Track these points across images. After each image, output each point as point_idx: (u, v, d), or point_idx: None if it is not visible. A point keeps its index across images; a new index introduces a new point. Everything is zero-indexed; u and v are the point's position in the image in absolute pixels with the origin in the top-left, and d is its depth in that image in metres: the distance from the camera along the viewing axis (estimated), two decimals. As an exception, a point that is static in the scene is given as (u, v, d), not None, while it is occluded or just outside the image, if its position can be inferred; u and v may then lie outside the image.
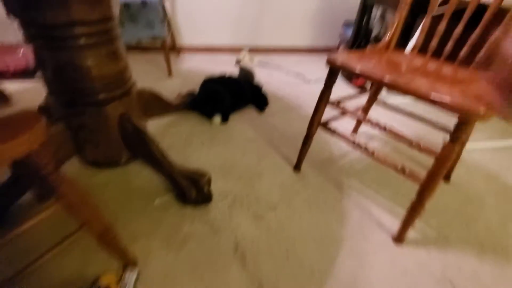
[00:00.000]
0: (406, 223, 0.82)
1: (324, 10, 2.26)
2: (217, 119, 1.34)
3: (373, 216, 0.93)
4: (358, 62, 0.80)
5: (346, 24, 2.15)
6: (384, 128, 0.79)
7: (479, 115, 0.59)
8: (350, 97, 1.04)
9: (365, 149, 0.85)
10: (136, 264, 0.73)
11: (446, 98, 0.62)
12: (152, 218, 0.86)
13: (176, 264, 0.74)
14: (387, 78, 0.72)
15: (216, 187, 0.98)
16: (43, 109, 1.26)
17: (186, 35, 2.19)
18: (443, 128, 0.98)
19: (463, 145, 1.00)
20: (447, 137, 1.28)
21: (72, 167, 1.02)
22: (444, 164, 0.70)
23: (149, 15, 1.49)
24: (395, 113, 1.52)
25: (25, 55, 1.63)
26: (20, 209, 0.85)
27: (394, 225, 0.91)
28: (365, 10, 1.83)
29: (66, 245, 0.56)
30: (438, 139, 1.38)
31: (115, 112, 0.91)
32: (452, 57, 0.92)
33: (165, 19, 1.56)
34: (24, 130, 0.41)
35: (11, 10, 0.71)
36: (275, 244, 0.81)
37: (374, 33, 2.12)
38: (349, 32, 2.08)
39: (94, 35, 0.78)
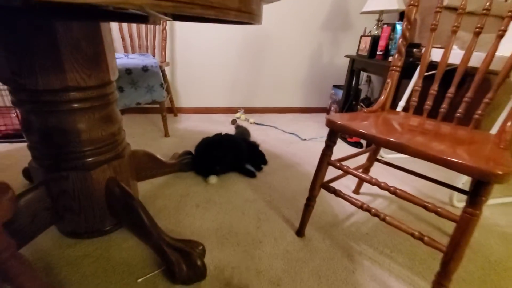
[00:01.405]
0: (434, 301, 0.70)
1: (314, 75, 2.42)
2: (213, 179, 1.28)
3: (392, 292, 0.81)
4: (358, 124, 0.79)
5: (336, 86, 2.29)
6: (394, 192, 0.74)
7: (498, 176, 0.55)
8: (349, 157, 1.01)
9: (376, 214, 0.78)
10: None
11: (466, 159, 0.59)
12: (133, 302, 0.72)
13: None
14: (393, 140, 0.69)
15: (211, 259, 0.86)
16: (28, 172, 1.19)
17: (184, 98, 2.27)
18: (447, 185, 0.94)
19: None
20: (452, 193, 1.24)
21: (45, 237, 0.90)
22: (467, 230, 0.63)
23: (150, 80, 1.55)
24: (393, 170, 1.49)
25: (18, 117, 1.62)
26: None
27: (419, 302, 0.78)
28: (353, 74, 1.97)
29: None
30: (443, 196, 1.32)
31: (102, 176, 0.85)
32: (445, 117, 0.94)
33: (165, 84, 1.62)
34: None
35: (1, 77, 0.70)
36: (282, 335, 0.66)
37: (362, 94, 2.24)
38: (339, 94, 2.19)
39: (89, 99, 0.77)
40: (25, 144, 1.55)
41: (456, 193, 1.22)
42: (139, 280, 0.78)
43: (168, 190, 1.21)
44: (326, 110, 2.53)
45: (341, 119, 0.81)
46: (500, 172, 0.55)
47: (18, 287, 0.39)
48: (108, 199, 0.87)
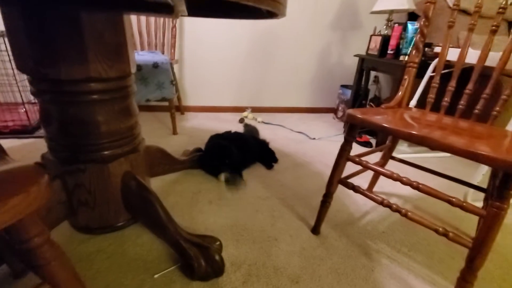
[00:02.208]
0: (459, 299, 0.69)
1: (322, 74, 2.42)
2: (223, 176, 1.26)
3: (413, 290, 0.79)
4: (380, 118, 0.78)
5: (344, 86, 2.28)
6: (417, 187, 0.72)
7: (531, 169, 0.54)
8: (364, 154, 0.99)
9: (397, 209, 0.77)
10: None
11: (491, 152, 0.58)
12: (151, 298, 0.70)
13: None
14: (417, 133, 0.69)
15: (227, 255, 0.85)
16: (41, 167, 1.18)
17: (192, 96, 2.26)
18: (463, 182, 0.93)
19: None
20: (468, 191, 1.23)
21: (58, 232, 0.89)
22: (495, 225, 0.62)
23: (160, 77, 1.54)
24: (404, 169, 1.48)
25: (27, 112, 1.62)
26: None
27: (441, 301, 0.76)
28: (362, 73, 1.96)
29: None
30: (457, 194, 1.31)
31: (119, 170, 0.84)
32: (460, 114, 0.93)
33: (174, 81, 1.62)
34: (16, 192, 0.32)
35: (22, 65, 0.69)
36: (305, 332, 0.65)
37: (371, 94, 2.23)
38: (347, 93, 2.19)
39: (109, 91, 0.76)
40: (33, 140, 1.54)
41: (471, 192, 1.20)
42: (156, 276, 0.77)
43: (180, 187, 1.20)
44: (334, 110, 2.52)
45: (361, 113, 0.80)
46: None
47: (50, 272, 0.38)
48: (124, 193, 0.86)
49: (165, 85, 1.55)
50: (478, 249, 0.64)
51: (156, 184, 1.20)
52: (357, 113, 0.80)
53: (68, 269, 0.41)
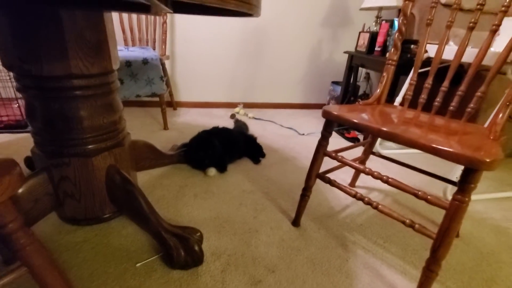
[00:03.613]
0: (423, 286, 0.72)
1: (313, 71, 2.44)
2: (211, 171, 1.30)
3: (384, 279, 0.83)
4: (353, 115, 0.81)
5: (335, 83, 2.31)
6: (386, 181, 0.76)
7: (485, 163, 0.57)
8: (345, 149, 1.03)
9: (368, 202, 0.80)
10: None
11: (455, 148, 0.61)
12: (130, 286, 0.73)
13: None
14: (385, 129, 0.72)
15: (208, 245, 0.89)
16: (29, 161, 1.21)
17: (184, 92, 2.28)
18: (441, 178, 0.96)
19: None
20: (447, 187, 1.26)
21: (45, 223, 0.92)
22: (456, 217, 0.65)
23: (150, 73, 1.56)
24: (389, 165, 1.52)
25: (20, 108, 1.64)
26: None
27: (409, 289, 0.80)
28: (351, 70, 1.98)
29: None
30: (438, 190, 1.35)
31: (103, 164, 0.86)
32: (438, 111, 0.96)
33: (165, 77, 1.64)
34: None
35: (7, 62, 0.72)
36: (276, 317, 0.69)
37: (361, 91, 2.26)
38: (338, 90, 2.21)
39: (92, 87, 0.78)
40: (26, 134, 1.57)
41: (450, 187, 1.24)
42: (138, 264, 0.80)
43: (167, 181, 1.23)
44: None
45: (336, 110, 0.83)
46: (488, 160, 0.57)
47: (25, 257, 0.41)
48: (108, 186, 0.89)
49: (155, 81, 1.57)
50: (441, 239, 0.68)
51: (143, 178, 1.23)
52: (332, 109, 0.83)
53: (42, 254, 0.44)
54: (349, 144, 1.17)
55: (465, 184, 0.63)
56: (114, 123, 0.88)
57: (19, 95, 1.67)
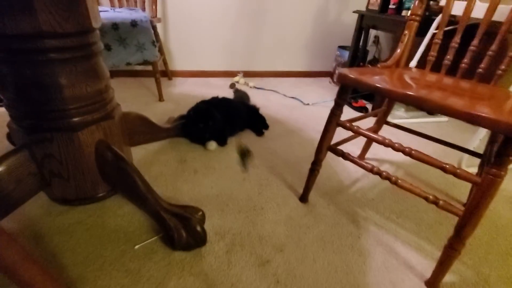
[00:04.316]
0: (444, 265, 0.68)
1: (319, 35, 2.25)
2: (211, 145, 1.21)
3: (399, 256, 0.78)
4: (373, 78, 0.70)
5: (342, 47, 2.14)
6: (409, 153, 0.67)
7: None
8: (356, 119, 0.93)
9: (387, 177, 0.72)
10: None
11: (492, 114, 0.52)
12: (129, 269, 0.68)
13: (160, 334, 0.56)
14: (413, 94, 0.62)
15: (211, 225, 0.83)
16: (11, 137, 1.11)
17: (179, 60, 2.12)
18: (459, 148, 0.89)
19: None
20: (462, 157, 1.19)
21: (34, 204, 0.85)
22: (489, 193, 0.58)
23: (139, 37, 1.41)
24: (399, 135, 1.43)
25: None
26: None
27: (425, 266, 0.76)
28: (361, 32, 1.81)
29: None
30: (452, 161, 1.28)
31: (91, 139, 0.77)
32: (464, 75, 0.85)
33: (157, 42, 1.48)
34: None
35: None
36: (287, 299, 0.64)
37: (370, 56, 2.10)
38: (345, 55, 2.05)
39: (68, 49, 0.67)
40: (10, 108, 1.45)
41: (466, 157, 1.17)
42: (137, 246, 0.75)
43: (164, 156, 1.15)
44: (330, 74, 2.40)
45: (354, 73, 0.72)
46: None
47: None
48: (99, 163, 0.81)
49: (146, 46, 1.43)
50: (468, 217, 0.61)
51: (138, 153, 1.15)
52: (349, 72, 0.72)
53: (11, 246, 0.36)
54: (357, 114, 1.08)
55: (503, 157, 0.55)
56: (100, 92, 0.77)
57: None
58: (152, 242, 0.76)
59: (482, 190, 0.58)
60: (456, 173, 0.62)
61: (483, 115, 0.53)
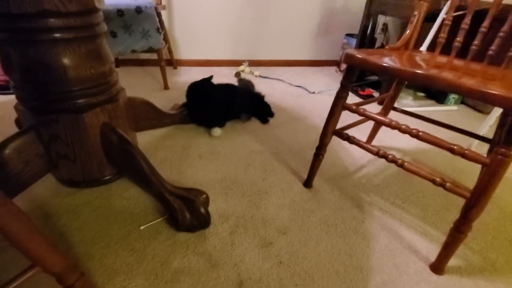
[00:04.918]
0: (449, 248, 0.67)
1: (325, 23, 2.21)
2: (216, 131, 1.21)
3: (403, 240, 0.78)
4: (381, 59, 0.69)
5: (349, 35, 2.09)
6: (416, 135, 0.66)
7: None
8: (361, 104, 0.91)
9: (393, 160, 0.71)
10: (112, 310, 0.56)
11: (503, 91, 0.50)
12: (135, 248, 0.70)
13: (164, 310, 0.57)
14: (421, 72, 0.60)
15: (215, 208, 0.83)
16: (20, 122, 1.13)
17: (184, 49, 2.11)
18: (468, 133, 0.87)
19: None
20: (471, 143, 1.17)
21: (42, 186, 0.87)
22: (498, 174, 0.57)
23: (144, 23, 1.40)
24: (408, 122, 1.41)
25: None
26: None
27: (430, 250, 0.75)
28: (369, 18, 1.77)
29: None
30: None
31: (96, 121, 0.78)
32: (475, 57, 0.82)
33: (162, 29, 1.48)
34: None
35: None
36: (289, 280, 0.65)
37: (377, 44, 2.06)
38: (352, 43, 2.01)
39: (72, 29, 0.67)
40: (18, 96, 1.47)
41: (475, 143, 1.14)
42: (142, 227, 0.76)
43: (169, 142, 1.16)
44: (337, 63, 2.36)
45: (361, 53, 0.70)
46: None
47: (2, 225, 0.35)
48: (105, 146, 0.82)
49: (150, 33, 1.42)
50: (476, 199, 0.61)
51: (144, 139, 1.16)
52: (357, 53, 0.70)
53: (17, 216, 0.37)
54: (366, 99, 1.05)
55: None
56: (104, 75, 0.77)
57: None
58: (157, 223, 0.77)
59: (491, 171, 0.57)
60: (464, 154, 0.61)
61: (495, 92, 0.52)
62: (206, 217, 0.74)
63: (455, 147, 0.61)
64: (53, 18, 0.63)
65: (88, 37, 0.71)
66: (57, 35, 0.65)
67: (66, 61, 0.68)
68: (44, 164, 0.79)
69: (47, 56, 0.66)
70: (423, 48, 1.29)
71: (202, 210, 0.73)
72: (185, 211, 0.73)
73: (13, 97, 1.45)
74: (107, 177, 0.89)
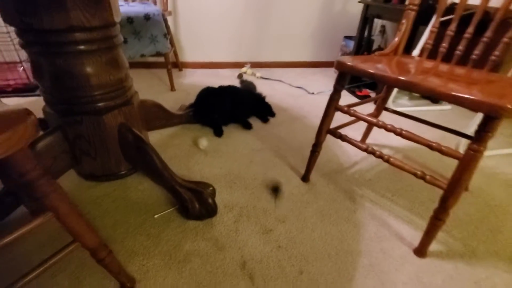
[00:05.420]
0: (430, 234, 0.75)
1: (325, 25, 2.29)
2: (202, 143, 1.18)
3: (390, 228, 0.86)
4: (368, 65, 0.77)
5: (347, 37, 2.17)
6: (400, 133, 0.74)
7: (509, 110, 0.54)
8: (355, 105, 1.00)
9: (380, 155, 0.80)
10: (134, 284, 0.65)
11: (476, 95, 0.58)
12: (151, 234, 0.79)
13: (178, 285, 0.66)
14: (403, 78, 0.68)
15: (220, 199, 0.92)
16: (41, 123, 1.23)
17: (188, 52, 2.20)
18: (455, 132, 0.94)
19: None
20: (459, 141, 1.24)
21: (66, 180, 0.97)
22: (469, 167, 0.65)
23: (152, 29, 1.49)
24: (401, 122, 1.48)
25: (25, 71, 1.63)
26: (7, 229, 0.78)
27: (414, 237, 0.83)
28: (366, 22, 1.85)
29: (57, 261, 0.50)
30: (451, 146, 1.32)
31: (114, 122, 0.87)
32: (460, 61, 0.90)
33: (168, 34, 1.57)
34: (3, 129, 0.36)
35: (7, 16, 0.69)
36: (287, 261, 0.73)
37: (375, 45, 2.13)
38: (351, 45, 2.09)
39: (94, 41, 0.76)
40: (35, 98, 1.58)
41: (463, 141, 1.22)
42: (156, 216, 0.85)
43: (177, 140, 1.25)
44: (336, 65, 2.43)
45: (350, 60, 0.78)
46: (510, 106, 0.54)
47: (49, 203, 0.44)
48: (121, 144, 0.91)
49: (158, 39, 1.51)
50: (451, 189, 0.68)
51: (154, 137, 1.25)
52: (347, 60, 0.79)
53: (66, 200, 0.46)
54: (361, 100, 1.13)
55: (482, 133, 0.61)
56: (121, 81, 0.86)
57: (23, 57, 1.65)
58: (169, 212, 0.86)
59: (463, 164, 0.65)
60: (441, 150, 0.69)
61: (463, 96, 0.59)
62: (214, 207, 0.83)
63: (433, 144, 0.69)
64: (79, 32, 0.72)
65: (107, 47, 0.80)
66: (82, 47, 0.74)
67: (89, 69, 0.77)
68: (68, 160, 0.89)
69: (73, 66, 0.75)
70: (416, 52, 1.37)
71: (210, 200, 0.82)
72: (195, 202, 0.82)
73: (30, 99, 1.55)
74: (123, 172, 0.98)
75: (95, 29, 0.74)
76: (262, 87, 1.90)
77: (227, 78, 2.08)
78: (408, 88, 0.68)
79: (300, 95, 1.84)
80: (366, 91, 1.82)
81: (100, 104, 0.83)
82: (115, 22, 0.80)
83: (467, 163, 0.65)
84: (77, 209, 0.48)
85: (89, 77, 0.78)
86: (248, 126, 1.36)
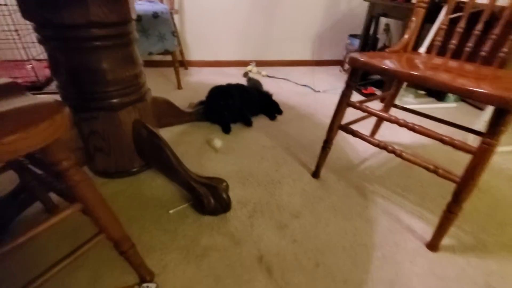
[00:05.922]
0: (442, 227, 0.76)
1: (330, 24, 2.30)
2: (217, 142, 1.19)
3: (402, 223, 0.87)
4: (381, 61, 0.78)
5: (352, 36, 2.18)
6: (413, 128, 0.75)
7: (523, 104, 0.55)
8: (364, 102, 1.00)
9: (392, 150, 0.81)
10: (153, 278, 0.66)
11: (488, 89, 0.59)
12: (167, 229, 0.80)
13: (197, 278, 0.67)
14: (416, 73, 0.69)
15: (234, 195, 0.93)
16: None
17: (194, 50, 2.21)
18: (464, 128, 0.95)
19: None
20: (468, 137, 1.25)
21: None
22: (483, 161, 0.66)
23: (161, 28, 1.50)
24: (409, 119, 1.49)
25: (33, 69, 1.64)
26: (23, 225, 0.79)
27: (426, 231, 0.84)
28: (371, 20, 1.86)
29: (79, 255, 0.50)
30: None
31: (128, 118, 0.88)
32: (469, 58, 0.91)
33: (176, 33, 1.58)
34: (43, 119, 0.37)
35: (27, 11, 0.70)
36: (303, 255, 0.74)
37: (380, 44, 2.14)
38: (356, 43, 2.10)
39: (111, 37, 0.77)
40: (43, 96, 1.58)
41: (471, 137, 1.23)
42: (171, 211, 0.86)
43: (188, 138, 1.26)
44: (341, 63, 2.45)
45: (364, 56, 0.79)
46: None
47: (79, 192, 0.45)
48: (136, 140, 0.92)
49: (166, 37, 1.52)
50: (464, 183, 0.69)
51: (165, 135, 1.25)
52: (360, 56, 0.80)
53: (94, 191, 0.47)
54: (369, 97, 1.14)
55: (495, 127, 0.62)
56: (136, 77, 0.87)
57: (31, 55, 1.65)
58: (184, 208, 0.87)
59: (477, 158, 0.66)
60: (454, 144, 0.70)
61: (477, 90, 0.61)
62: (228, 202, 0.84)
63: (446, 138, 0.71)
64: (98, 28, 0.73)
65: (123, 44, 0.81)
66: (100, 43, 0.75)
67: (106, 65, 0.78)
68: (83, 157, 0.89)
69: (91, 61, 0.76)
70: (423, 49, 1.38)
71: (224, 195, 0.83)
72: (210, 196, 0.83)
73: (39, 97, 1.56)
74: (136, 169, 0.99)
75: (113, 25, 0.75)
76: (268, 85, 1.91)
77: (233, 76, 2.09)
78: (421, 82, 0.69)
79: (306, 93, 1.85)
80: (372, 89, 1.83)
81: (115, 100, 0.84)
82: (132, 19, 0.81)
83: (480, 157, 0.66)
84: (104, 200, 0.49)
85: (106, 73, 0.79)
86: (248, 123, 1.37)
